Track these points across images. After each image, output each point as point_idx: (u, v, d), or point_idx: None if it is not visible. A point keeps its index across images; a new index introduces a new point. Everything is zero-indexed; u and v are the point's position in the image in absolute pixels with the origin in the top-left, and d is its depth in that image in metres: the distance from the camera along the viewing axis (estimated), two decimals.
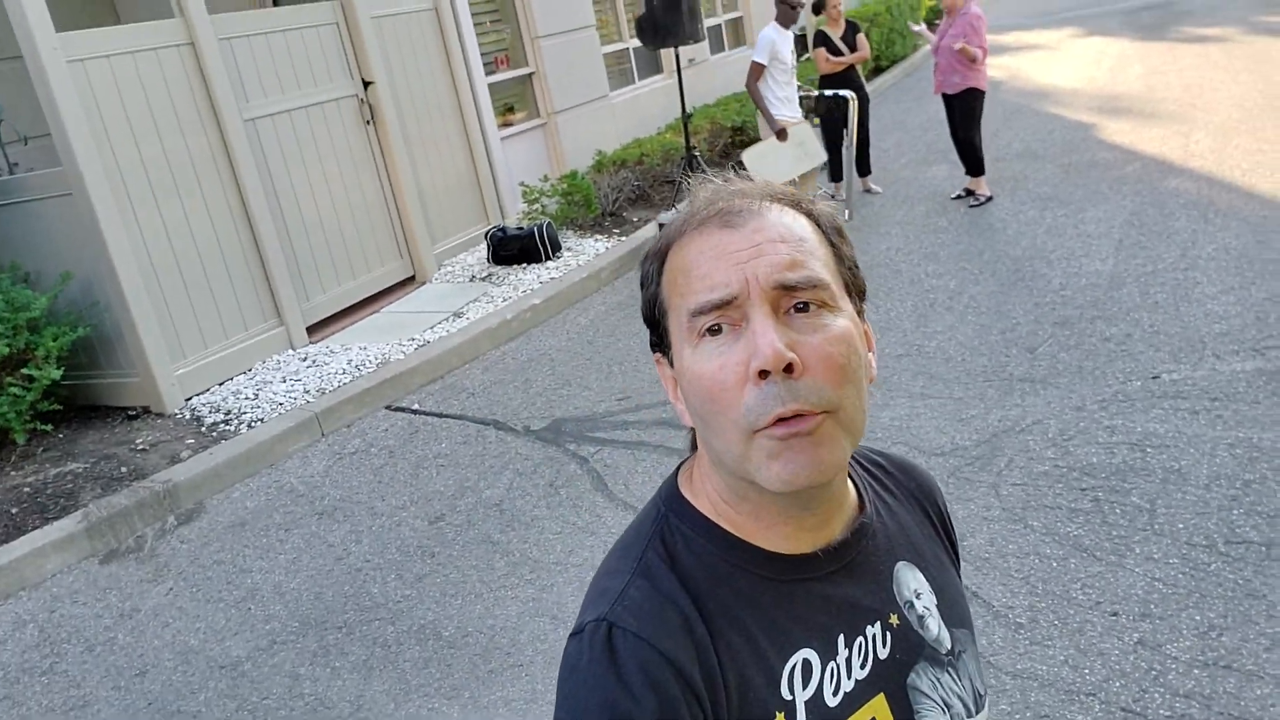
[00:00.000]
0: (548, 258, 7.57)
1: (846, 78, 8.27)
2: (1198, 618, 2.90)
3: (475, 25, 8.54)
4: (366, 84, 7.23)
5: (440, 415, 5.44)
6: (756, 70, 7.08)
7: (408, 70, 7.70)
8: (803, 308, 0.83)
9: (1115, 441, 3.92)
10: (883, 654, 0.93)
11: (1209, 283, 5.26)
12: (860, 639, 0.92)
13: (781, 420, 0.80)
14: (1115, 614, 2.98)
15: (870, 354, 0.92)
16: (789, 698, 0.87)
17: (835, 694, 0.90)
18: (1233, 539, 3.21)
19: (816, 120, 8.24)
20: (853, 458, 1.04)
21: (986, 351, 4.98)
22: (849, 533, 0.95)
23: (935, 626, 0.98)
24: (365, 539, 4.25)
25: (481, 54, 8.59)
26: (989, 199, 7.56)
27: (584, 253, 7.73)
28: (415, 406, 5.61)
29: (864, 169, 8.53)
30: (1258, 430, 3.80)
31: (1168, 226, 6.26)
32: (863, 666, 0.91)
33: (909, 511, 1.05)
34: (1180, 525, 3.33)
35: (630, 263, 7.63)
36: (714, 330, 0.84)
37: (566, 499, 4.30)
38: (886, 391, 4.71)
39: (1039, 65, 13.58)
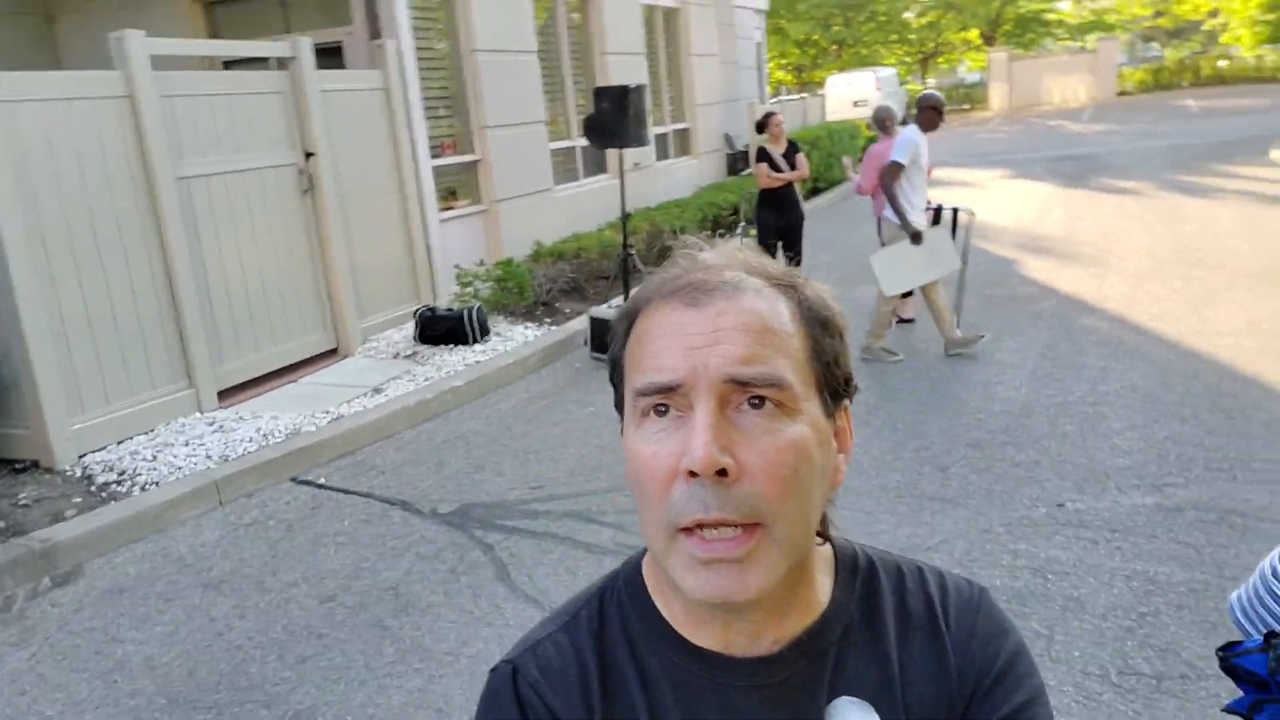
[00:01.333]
0: (475, 341, 7.53)
1: (785, 194, 8.51)
2: None
3: (426, 109, 8.63)
4: (308, 155, 7.22)
5: (346, 491, 5.28)
6: (895, 170, 6.63)
7: (352, 145, 7.72)
8: (757, 403, 0.77)
9: (1019, 566, 3.94)
10: None
11: (1115, 418, 5.42)
12: None
13: (702, 527, 0.75)
14: None
15: (841, 455, 0.87)
16: None
17: None
18: (1125, 670, 3.22)
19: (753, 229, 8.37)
20: (870, 560, 0.95)
21: (900, 468, 5.02)
22: (788, 647, 0.86)
23: None
24: (250, 615, 4.05)
25: (429, 137, 8.67)
26: (908, 321, 7.77)
27: (513, 339, 7.70)
28: (321, 480, 5.45)
29: None
30: (1154, 564, 3.86)
31: (1079, 361, 6.46)
32: None
33: (917, 651, 0.90)
34: (1076, 653, 3.34)
35: (559, 353, 7.61)
36: (660, 410, 0.79)
37: (466, 587, 4.16)
38: None
39: (969, 202, 14.11)
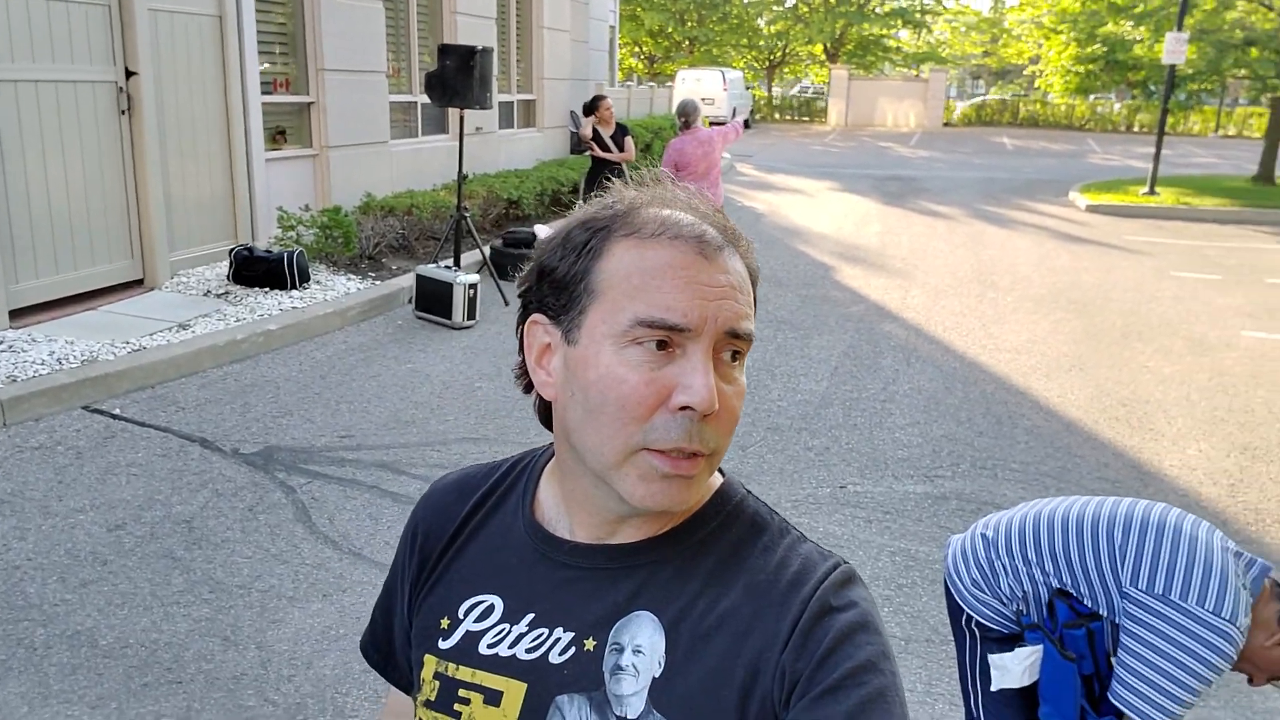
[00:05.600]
0: (294, 286, 7.35)
1: (614, 174, 8.69)
2: None
3: (260, 42, 8.32)
4: (129, 74, 6.86)
5: (142, 424, 5.10)
6: None
7: (178, 70, 7.37)
8: (735, 354, 0.86)
9: None
10: (554, 659, 0.90)
11: (900, 415, 5.88)
12: (544, 630, 0.92)
13: (676, 453, 0.83)
14: None
15: None
16: (461, 618, 0.97)
17: (491, 646, 0.93)
18: None
19: None
20: (749, 510, 0.96)
21: None
22: (617, 544, 0.92)
23: (630, 687, 0.87)
24: (31, 537, 3.89)
25: (261, 73, 8.36)
26: None
27: (334, 289, 7.56)
28: (116, 411, 5.23)
29: None
30: (916, 543, 4.26)
31: (876, 362, 6.95)
32: (529, 652, 0.91)
33: (737, 601, 0.89)
34: None
35: (381, 308, 7.53)
36: (658, 344, 0.83)
37: (264, 525, 4.13)
38: None
39: (797, 207, 14.81)
